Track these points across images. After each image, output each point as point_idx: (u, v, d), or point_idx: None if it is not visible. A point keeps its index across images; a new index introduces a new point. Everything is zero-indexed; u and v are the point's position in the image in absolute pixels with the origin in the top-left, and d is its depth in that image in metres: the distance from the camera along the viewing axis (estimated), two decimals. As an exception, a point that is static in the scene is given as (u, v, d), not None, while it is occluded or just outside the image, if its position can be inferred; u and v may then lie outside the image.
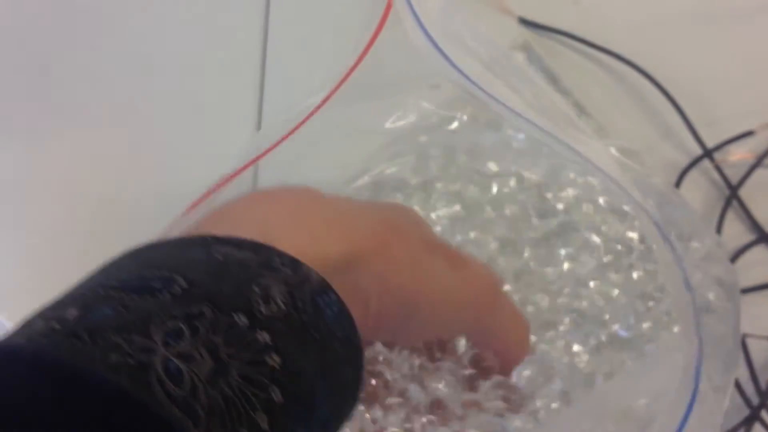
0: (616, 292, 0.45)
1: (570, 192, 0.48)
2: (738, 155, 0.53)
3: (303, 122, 0.36)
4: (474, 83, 0.33)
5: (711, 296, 0.43)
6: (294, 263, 0.27)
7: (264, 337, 0.24)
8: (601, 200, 0.48)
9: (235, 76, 0.59)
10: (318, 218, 0.31)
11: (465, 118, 0.50)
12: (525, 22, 0.58)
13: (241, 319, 0.24)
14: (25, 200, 0.56)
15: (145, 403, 0.21)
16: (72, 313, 0.23)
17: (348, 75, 0.36)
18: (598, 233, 0.47)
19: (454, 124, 0.51)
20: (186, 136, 0.57)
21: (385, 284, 0.30)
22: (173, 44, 0.61)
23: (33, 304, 0.25)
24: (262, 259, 0.26)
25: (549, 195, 0.48)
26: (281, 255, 0.27)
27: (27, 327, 0.23)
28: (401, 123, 0.48)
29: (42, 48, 0.60)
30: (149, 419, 0.20)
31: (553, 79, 0.55)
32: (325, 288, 0.27)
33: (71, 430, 0.20)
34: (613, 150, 0.50)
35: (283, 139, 0.37)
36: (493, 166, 0.50)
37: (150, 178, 0.55)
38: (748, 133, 0.52)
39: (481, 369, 0.38)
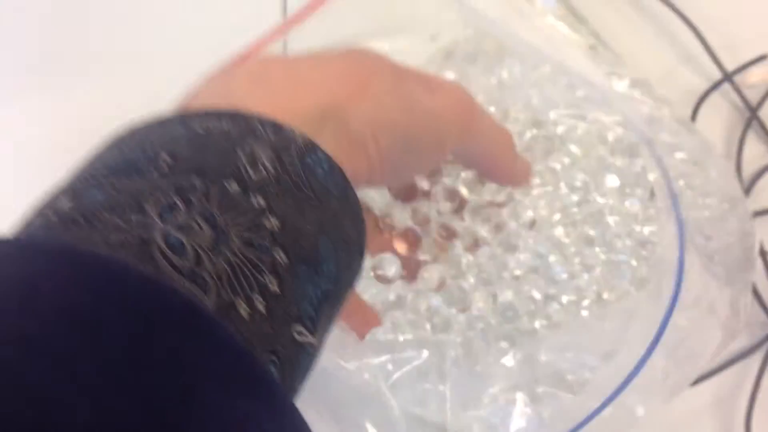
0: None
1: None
2: (758, 76, 0.53)
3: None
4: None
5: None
6: (275, 126, 0.26)
7: (258, 200, 0.24)
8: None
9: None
10: (283, 77, 0.30)
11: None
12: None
13: (232, 186, 0.24)
14: (43, 154, 0.56)
15: (153, 276, 0.21)
16: (65, 202, 0.23)
17: None
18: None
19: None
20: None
21: (377, 124, 0.29)
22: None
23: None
24: (243, 126, 0.26)
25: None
26: (261, 120, 0.26)
27: (27, 225, 0.23)
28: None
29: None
30: (159, 292, 0.20)
31: (570, 9, 0.56)
32: (311, 147, 0.26)
33: (85, 313, 0.19)
34: (625, 83, 0.51)
35: (311, 9, 0.37)
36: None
37: None
38: (763, 57, 0.53)
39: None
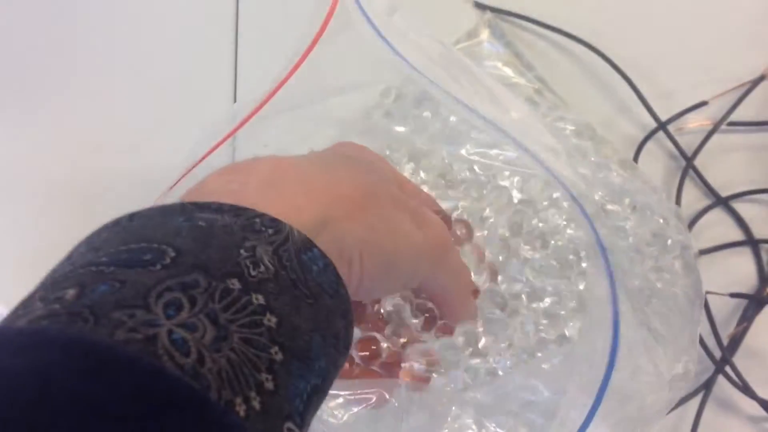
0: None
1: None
2: (696, 123, 0.55)
3: (269, 97, 0.37)
4: (417, 70, 0.36)
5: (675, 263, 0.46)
6: (275, 223, 0.27)
7: (258, 299, 0.24)
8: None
9: (210, 52, 0.61)
10: (292, 183, 0.31)
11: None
12: (480, 6, 0.60)
13: (235, 284, 0.24)
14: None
15: (163, 368, 0.21)
16: (70, 293, 0.23)
17: (299, 64, 0.38)
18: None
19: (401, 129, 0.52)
20: (164, 113, 0.58)
21: (366, 246, 0.31)
22: (148, 24, 0.62)
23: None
24: (244, 221, 0.27)
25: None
26: (261, 216, 0.27)
27: (25, 309, 0.23)
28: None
29: (13, 33, 0.61)
30: (169, 383, 0.21)
31: (517, 55, 0.57)
32: (308, 244, 0.28)
33: (98, 402, 0.20)
34: (569, 127, 0.52)
35: (256, 111, 0.38)
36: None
37: (129, 158, 0.57)
38: (702, 104, 0.55)
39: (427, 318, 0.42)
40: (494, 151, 0.49)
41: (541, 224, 0.47)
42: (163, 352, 0.21)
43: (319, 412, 0.38)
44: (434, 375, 0.39)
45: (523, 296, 0.45)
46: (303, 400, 0.25)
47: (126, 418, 0.20)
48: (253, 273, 0.25)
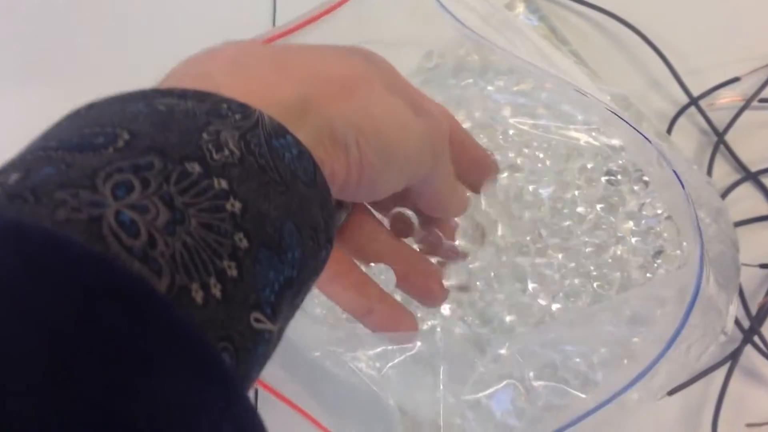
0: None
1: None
2: (727, 98, 0.56)
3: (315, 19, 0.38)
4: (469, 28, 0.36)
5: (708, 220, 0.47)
6: (243, 108, 0.25)
7: (221, 183, 0.23)
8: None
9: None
10: (265, 63, 0.29)
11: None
12: (518, -19, 0.61)
13: (194, 168, 0.23)
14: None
15: (100, 253, 0.20)
16: (13, 176, 0.21)
17: None
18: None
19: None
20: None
21: (361, 130, 0.29)
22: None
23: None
24: (209, 106, 0.25)
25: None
26: (228, 101, 0.25)
27: None
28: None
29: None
30: (104, 269, 0.19)
31: (552, 29, 0.58)
32: (280, 130, 0.26)
33: (16, 287, 0.18)
34: (606, 97, 0.53)
35: (299, 27, 0.38)
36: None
37: None
38: (735, 80, 0.56)
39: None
40: (531, 121, 0.50)
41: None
42: (109, 233, 0.20)
43: (356, 363, 0.40)
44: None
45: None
46: (274, 290, 0.24)
47: (48, 307, 0.18)
48: (215, 157, 0.23)
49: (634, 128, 0.35)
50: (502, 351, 0.39)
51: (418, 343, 0.39)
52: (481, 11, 0.42)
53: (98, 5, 0.63)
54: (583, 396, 0.38)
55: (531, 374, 0.38)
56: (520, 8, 0.60)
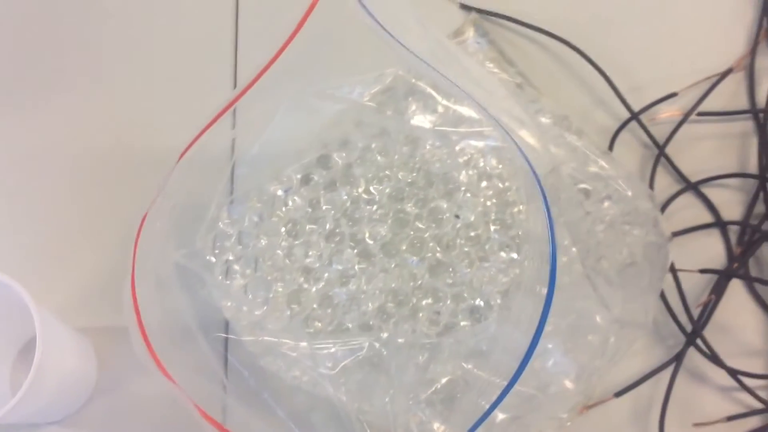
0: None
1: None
2: (666, 113, 0.59)
3: (266, 68, 0.41)
4: (411, 51, 0.39)
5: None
6: None
7: None
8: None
9: (212, 42, 0.64)
10: None
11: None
12: (465, 7, 0.64)
13: None
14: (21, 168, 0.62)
15: None
16: None
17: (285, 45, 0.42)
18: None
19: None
20: (169, 99, 0.62)
21: None
22: (152, 18, 0.66)
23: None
24: None
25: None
26: None
27: None
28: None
29: (27, 24, 0.65)
30: None
31: (500, 52, 0.61)
32: None
33: None
34: (544, 119, 0.56)
35: (253, 83, 0.41)
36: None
37: (137, 140, 0.61)
38: (672, 95, 0.59)
39: None
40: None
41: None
42: None
43: (312, 363, 0.42)
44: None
45: None
46: None
47: None
48: None
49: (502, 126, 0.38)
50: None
51: (366, 344, 0.41)
52: (427, 41, 0.45)
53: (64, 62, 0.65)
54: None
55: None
56: (470, 32, 0.63)
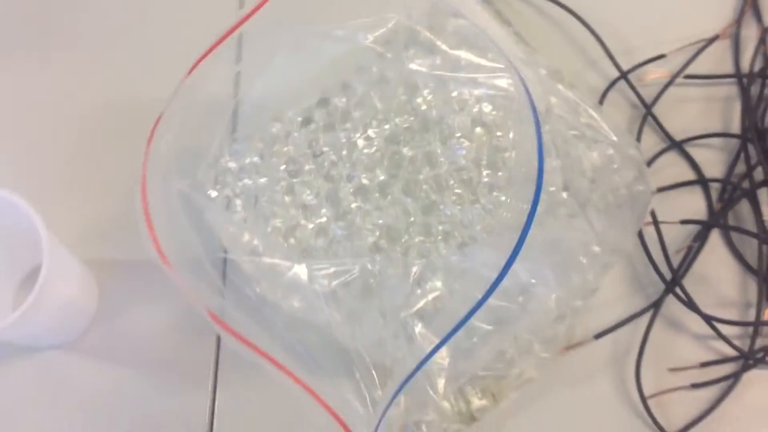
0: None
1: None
2: (654, 74, 0.61)
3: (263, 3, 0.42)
4: None
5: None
6: None
7: None
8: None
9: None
10: None
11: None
12: (467, -30, 0.66)
13: None
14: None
15: None
16: None
17: None
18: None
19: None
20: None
21: None
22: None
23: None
24: None
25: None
26: None
27: None
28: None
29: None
30: None
31: (497, 12, 0.63)
32: None
33: None
34: (542, 70, 0.58)
35: (256, 10, 0.43)
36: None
37: (148, 89, 0.62)
38: (661, 57, 0.61)
39: None
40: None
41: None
42: None
43: (307, 282, 0.44)
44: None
45: None
46: None
47: None
48: None
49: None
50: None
51: (357, 267, 0.43)
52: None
53: None
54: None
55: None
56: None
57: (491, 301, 0.36)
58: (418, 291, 0.43)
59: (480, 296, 0.35)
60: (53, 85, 0.65)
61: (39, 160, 0.63)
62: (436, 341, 0.36)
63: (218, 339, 0.58)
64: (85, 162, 0.62)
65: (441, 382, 0.43)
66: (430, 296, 0.41)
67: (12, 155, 0.63)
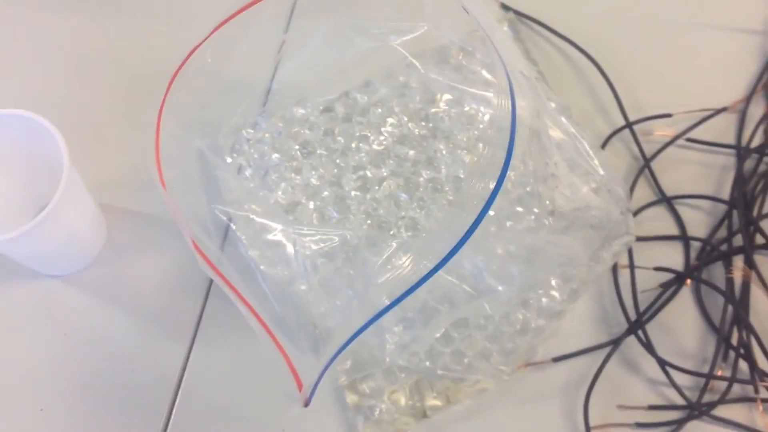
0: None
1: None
2: (659, 132, 0.65)
3: None
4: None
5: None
6: None
7: None
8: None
9: None
10: None
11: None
12: (505, 7, 0.71)
13: None
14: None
15: None
16: None
17: None
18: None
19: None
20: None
21: None
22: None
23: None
24: None
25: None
26: None
27: None
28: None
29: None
30: None
31: (525, 50, 0.68)
32: None
33: None
34: (551, 104, 0.62)
35: None
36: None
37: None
38: (667, 115, 0.65)
39: None
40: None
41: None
42: None
43: (293, 246, 0.48)
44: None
45: None
46: None
47: None
48: None
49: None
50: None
51: (337, 238, 0.47)
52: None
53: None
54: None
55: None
56: (504, 27, 0.70)
57: (446, 278, 0.39)
58: (389, 267, 0.46)
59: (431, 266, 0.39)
60: (99, 39, 0.70)
61: (75, 105, 0.68)
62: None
63: (205, 300, 0.61)
64: (116, 112, 0.67)
65: (389, 349, 0.46)
66: (397, 272, 0.44)
67: (51, 96, 0.68)
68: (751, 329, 0.58)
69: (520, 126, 0.42)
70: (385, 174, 0.58)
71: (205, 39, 0.50)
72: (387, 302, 0.40)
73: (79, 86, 0.68)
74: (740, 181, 0.63)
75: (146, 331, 0.60)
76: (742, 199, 0.62)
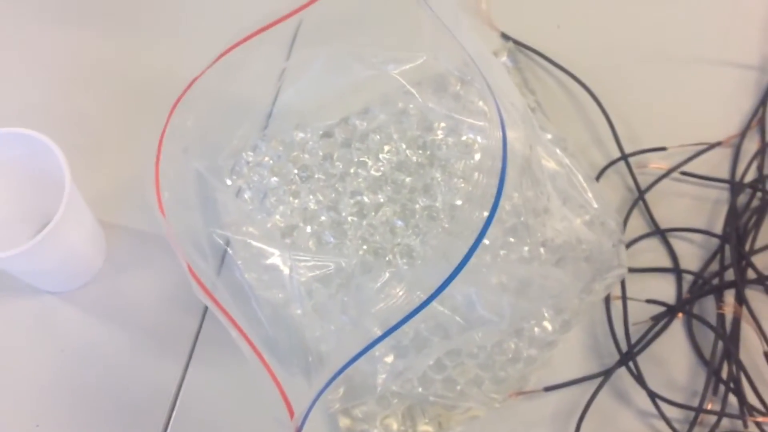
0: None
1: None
2: (654, 164, 0.66)
3: None
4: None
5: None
6: None
7: None
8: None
9: None
10: None
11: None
12: (505, 36, 0.72)
13: None
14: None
15: None
16: None
17: None
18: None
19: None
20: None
21: None
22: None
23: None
24: None
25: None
26: None
27: None
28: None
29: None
30: None
31: (524, 80, 0.68)
32: None
33: None
34: (548, 135, 0.63)
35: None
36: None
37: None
38: (662, 149, 0.65)
39: None
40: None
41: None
42: None
43: (288, 271, 0.49)
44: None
45: None
46: None
47: None
48: None
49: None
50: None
51: (332, 265, 0.48)
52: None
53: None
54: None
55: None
56: (503, 56, 0.71)
57: (439, 308, 0.40)
58: (382, 296, 0.47)
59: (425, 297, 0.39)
60: (101, 55, 0.71)
61: (76, 119, 0.68)
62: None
63: (202, 319, 0.62)
64: (118, 129, 0.68)
65: (381, 377, 0.47)
66: (391, 302, 0.45)
67: (52, 112, 0.69)
68: (740, 365, 0.58)
69: (512, 156, 0.42)
70: (381, 200, 0.59)
71: (209, 67, 0.51)
72: (379, 332, 0.40)
73: (81, 103, 0.69)
74: (733, 215, 0.64)
75: (143, 349, 0.61)
76: (734, 233, 0.63)
